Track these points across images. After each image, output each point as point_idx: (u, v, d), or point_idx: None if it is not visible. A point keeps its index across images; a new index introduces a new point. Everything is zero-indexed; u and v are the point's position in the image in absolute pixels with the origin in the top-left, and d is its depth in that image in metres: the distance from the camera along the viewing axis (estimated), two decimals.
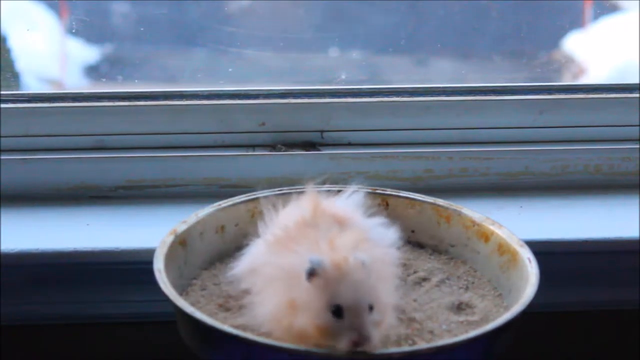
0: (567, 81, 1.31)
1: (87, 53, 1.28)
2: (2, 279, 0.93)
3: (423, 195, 0.91)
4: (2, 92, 1.07)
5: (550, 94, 1.12)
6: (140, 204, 1.03)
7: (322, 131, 1.09)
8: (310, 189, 0.81)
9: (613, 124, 1.12)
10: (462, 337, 0.69)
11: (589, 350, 1.06)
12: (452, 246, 0.89)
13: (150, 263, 0.77)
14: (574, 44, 1.30)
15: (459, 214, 0.88)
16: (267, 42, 1.21)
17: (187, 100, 1.08)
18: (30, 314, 0.97)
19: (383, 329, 0.70)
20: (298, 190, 0.89)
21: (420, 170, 1.07)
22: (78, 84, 1.36)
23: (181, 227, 0.83)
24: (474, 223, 0.87)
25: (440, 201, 0.90)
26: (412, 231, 0.90)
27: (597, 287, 1.00)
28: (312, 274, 0.69)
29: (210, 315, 0.74)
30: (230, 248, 0.86)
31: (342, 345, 0.66)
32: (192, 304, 0.76)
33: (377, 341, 0.67)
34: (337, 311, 0.67)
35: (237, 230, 0.87)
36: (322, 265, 0.68)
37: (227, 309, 0.78)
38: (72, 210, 1.01)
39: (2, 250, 0.92)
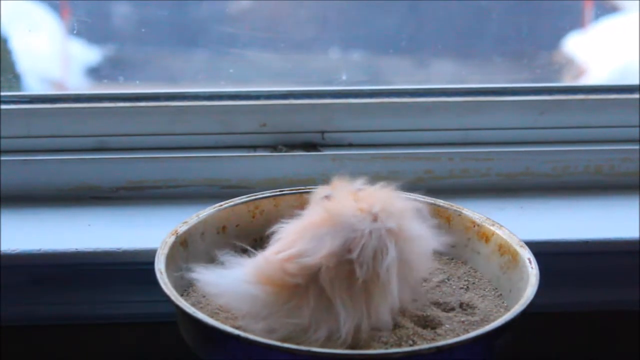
0: (567, 82, 1.31)
1: (88, 54, 1.28)
2: (3, 279, 0.93)
3: (423, 196, 0.91)
4: (3, 94, 1.07)
5: (550, 94, 1.12)
6: (142, 205, 1.03)
7: (323, 132, 1.09)
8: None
9: (613, 124, 1.12)
10: (462, 337, 0.69)
11: (589, 351, 1.06)
12: (453, 247, 0.88)
13: (151, 264, 0.77)
14: (574, 44, 1.30)
15: (460, 214, 0.88)
16: (268, 43, 1.21)
17: (188, 101, 1.08)
18: (31, 314, 0.97)
19: None
20: (298, 191, 0.89)
21: (420, 171, 1.07)
22: (79, 85, 1.36)
23: (182, 228, 0.83)
24: (474, 224, 0.87)
25: (440, 202, 0.90)
26: None
27: (597, 287, 1.00)
28: None
29: (212, 315, 0.75)
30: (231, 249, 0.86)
31: None
32: (193, 305, 0.76)
33: None
34: None
35: (238, 230, 0.88)
36: None
37: (229, 309, 0.78)
38: (73, 211, 1.01)
39: (3, 251, 0.92)
